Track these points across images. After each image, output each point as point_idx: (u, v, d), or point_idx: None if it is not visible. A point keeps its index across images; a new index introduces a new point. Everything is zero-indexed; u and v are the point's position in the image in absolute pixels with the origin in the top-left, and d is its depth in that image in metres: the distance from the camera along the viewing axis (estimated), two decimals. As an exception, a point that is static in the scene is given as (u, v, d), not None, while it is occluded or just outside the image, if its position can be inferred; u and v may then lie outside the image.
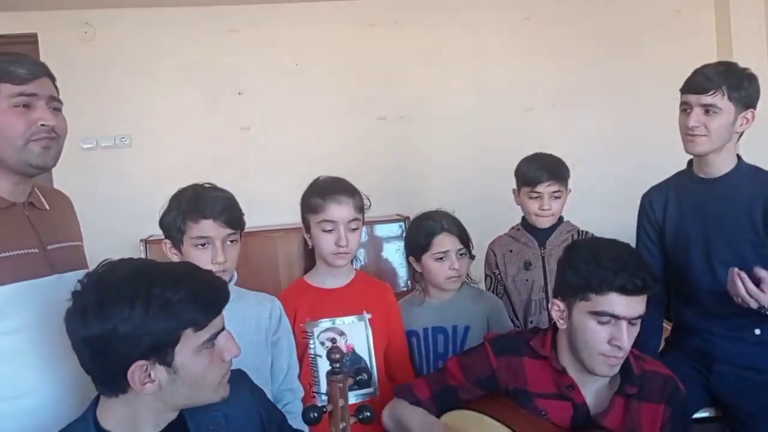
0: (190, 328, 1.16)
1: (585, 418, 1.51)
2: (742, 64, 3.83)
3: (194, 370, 1.17)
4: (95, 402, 1.22)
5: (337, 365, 1.19)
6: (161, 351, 1.14)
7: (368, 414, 1.20)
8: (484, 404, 1.57)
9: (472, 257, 2.14)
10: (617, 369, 1.49)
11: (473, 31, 3.92)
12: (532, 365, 1.56)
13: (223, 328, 1.22)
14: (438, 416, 1.60)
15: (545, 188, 2.26)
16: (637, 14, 3.96)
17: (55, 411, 1.41)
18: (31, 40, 3.69)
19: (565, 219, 2.38)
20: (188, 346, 1.16)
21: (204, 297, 1.18)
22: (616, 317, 1.43)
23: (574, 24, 3.95)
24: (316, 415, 1.16)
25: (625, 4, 3.96)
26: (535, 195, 2.29)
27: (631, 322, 1.44)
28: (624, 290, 1.42)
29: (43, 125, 1.44)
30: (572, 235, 2.33)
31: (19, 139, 1.43)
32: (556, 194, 2.28)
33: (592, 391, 1.53)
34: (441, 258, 2.05)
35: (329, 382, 1.19)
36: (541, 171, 2.27)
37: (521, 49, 3.93)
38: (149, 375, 1.14)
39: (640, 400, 1.50)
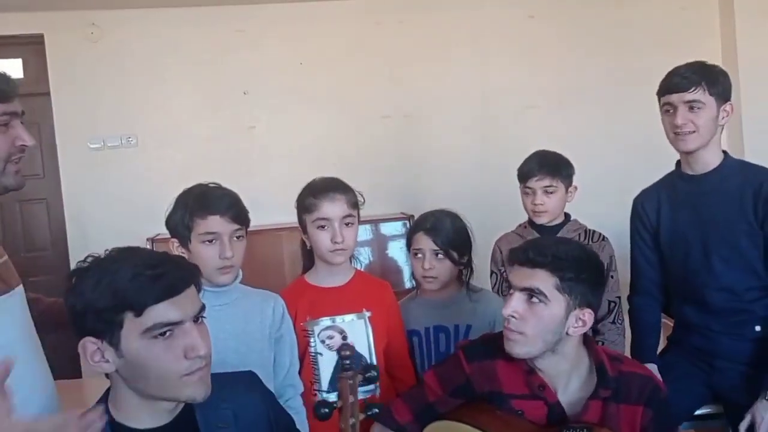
0: (129, 312, 1.12)
1: (560, 416, 1.50)
2: (746, 60, 3.86)
3: (142, 358, 1.13)
4: (107, 391, 1.24)
5: (348, 362, 1.20)
6: (107, 331, 1.13)
7: (377, 411, 1.22)
8: (461, 412, 1.58)
9: (468, 266, 2.09)
10: (515, 346, 1.47)
11: (478, 30, 3.93)
12: (504, 368, 1.55)
13: (182, 322, 1.15)
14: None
15: (535, 183, 2.26)
16: (642, 12, 3.96)
17: None
18: (38, 40, 3.72)
19: (572, 217, 2.37)
20: (133, 332, 1.13)
21: (144, 280, 1.12)
22: None
23: (578, 22, 3.95)
24: (327, 410, 1.18)
25: (630, 1, 3.96)
26: (528, 190, 2.29)
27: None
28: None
29: (23, 146, 1.38)
30: (579, 234, 2.31)
31: (0, 161, 1.36)
32: (549, 189, 2.25)
33: (566, 391, 1.52)
34: (417, 255, 2.04)
35: (339, 379, 1.20)
36: (531, 165, 2.27)
37: (526, 47, 3.94)
38: (103, 355, 1.15)
39: (618, 402, 1.48)
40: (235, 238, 1.71)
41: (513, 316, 1.46)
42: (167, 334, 1.14)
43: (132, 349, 1.13)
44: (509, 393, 1.54)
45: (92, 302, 1.13)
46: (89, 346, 1.15)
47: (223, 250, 1.67)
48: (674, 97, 1.94)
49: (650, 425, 1.49)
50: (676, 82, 1.94)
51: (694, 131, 1.92)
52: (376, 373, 1.26)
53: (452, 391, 1.60)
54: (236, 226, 1.70)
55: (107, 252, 1.20)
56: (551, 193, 2.26)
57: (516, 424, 1.51)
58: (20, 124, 1.38)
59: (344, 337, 1.87)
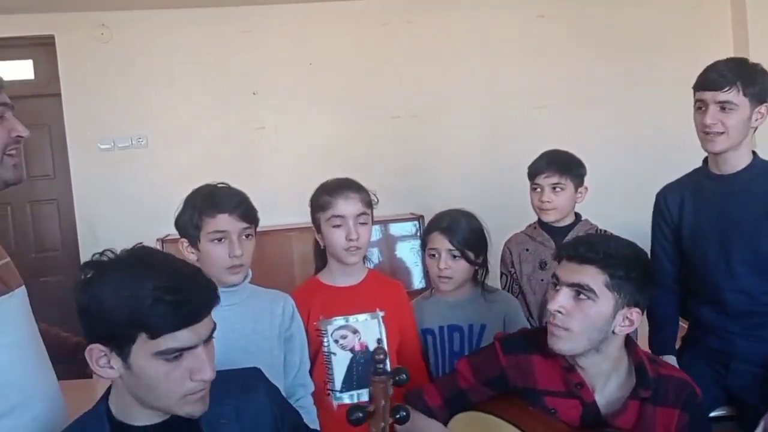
0: (144, 333, 1.11)
1: (595, 417, 1.48)
2: (758, 58, 3.81)
3: (147, 375, 1.14)
4: (108, 389, 1.24)
5: (381, 366, 1.20)
6: (118, 343, 1.13)
7: (404, 413, 1.21)
8: (492, 405, 1.57)
9: (483, 266, 2.08)
10: (559, 342, 1.45)
11: (487, 30, 3.92)
12: (541, 363, 1.54)
13: (195, 346, 1.15)
14: (449, 419, 1.60)
15: (543, 180, 2.25)
16: (652, 11, 3.94)
17: (44, 426, 1.41)
18: (48, 41, 3.74)
19: (583, 217, 2.36)
20: (144, 350, 1.12)
21: (165, 308, 1.11)
22: None
23: (587, 22, 3.94)
24: (361, 415, 1.17)
25: (640, 1, 3.94)
26: (536, 187, 2.29)
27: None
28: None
29: (19, 137, 1.38)
30: None
31: None
32: (557, 186, 2.25)
33: (603, 391, 1.50)
34: (432, 255, 2.03)
35: (372, 383, 1.19)
36: (540, 162, 2.28)
37: (534, 47, 3.93)
38: (109, 361, 1.15)
39: (656, 404, 1.47)
40: (244, 237, 1.71)
41: (560, 312, 1.43)
42: (177, 357, 1.14)
43: (140, 365, 1.13)
44: (544, 389, 1.52)
45: (108, 312, 1.11)
46: (96, 352, 1.15)
47: (233, 249, 1.67)
48: (707, 95, 1.87)
49: (685, 430, 1.47)
50: (711, 78, 1.87)
51: (723, 132, 1.86)
52: (406, 377, 1.25)
53: (485, 381, 1.58)
54: (245, 225, 1.71)
55: (127, 253, 1.18)
56: (559, 190, 2.26)
57: (547, 422, 1.49)
58: (13, 116, 1.39)
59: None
